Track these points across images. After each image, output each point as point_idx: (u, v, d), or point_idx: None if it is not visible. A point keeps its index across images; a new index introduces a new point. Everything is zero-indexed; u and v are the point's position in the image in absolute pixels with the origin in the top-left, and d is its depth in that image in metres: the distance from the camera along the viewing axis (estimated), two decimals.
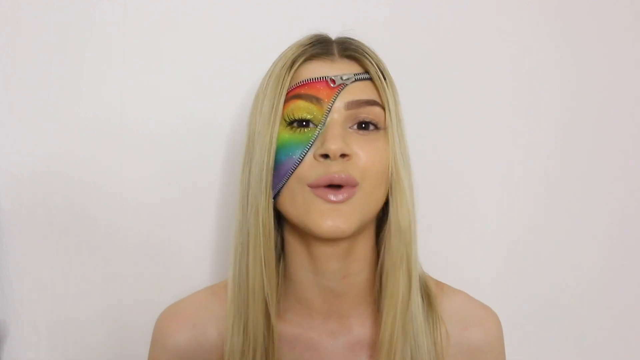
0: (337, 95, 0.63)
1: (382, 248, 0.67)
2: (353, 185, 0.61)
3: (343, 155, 0.61)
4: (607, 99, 0.93)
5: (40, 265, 0.87)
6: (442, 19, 0.90)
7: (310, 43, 0.66)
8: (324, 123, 0.62)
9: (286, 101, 0.63)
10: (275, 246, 0.68)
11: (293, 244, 0.67)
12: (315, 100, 0.63)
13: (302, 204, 0.62)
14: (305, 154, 0.62)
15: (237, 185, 0.67)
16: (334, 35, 0.69)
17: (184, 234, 0.88)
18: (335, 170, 0.60)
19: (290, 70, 0.64)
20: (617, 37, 0.92)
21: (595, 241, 0.94)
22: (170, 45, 0.86)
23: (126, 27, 0.86)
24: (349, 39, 0.68)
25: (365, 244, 0.67)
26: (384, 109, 0.65)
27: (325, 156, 0.61)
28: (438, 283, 0.73)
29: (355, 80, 0.64)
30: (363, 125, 0.64)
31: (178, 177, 0.88)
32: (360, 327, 0.68)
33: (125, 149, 0.87)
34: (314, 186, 0.61)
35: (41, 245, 0.86)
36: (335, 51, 0.66)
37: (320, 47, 0.66)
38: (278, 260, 0.69)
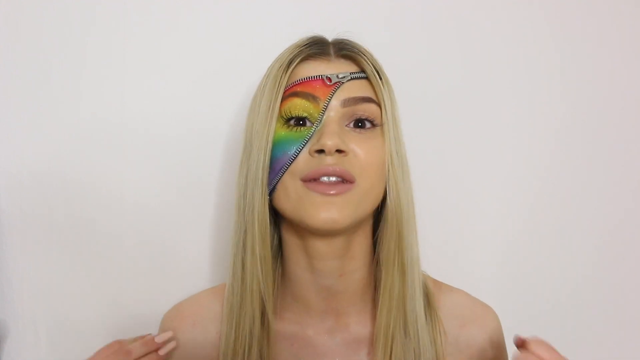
0: (334, 93, 0.63)
1: (378, 245, 0.67)
2: (350, 180, 0.61)
3: (339, 151, 0.61)
4: (607, 102, 0.93)
5: (40, 265, 0.87)
6: (442, 19, 0.90)
7: (307, 44, 0.67)
8: (321, 121, 0.63)
9: (283, 99, 0.64)
10: (272, 245, 0.68)
11: (290, 242, 0.67)
12: (312, 98, 0.63)
13: (295, 199, 0.62)
14: (301, 150, 0.62)
15: (235, 185, 0.68)
16: (332, 36, 0.70)
17: (183, 233, 0.88)
18: (329, 163, 0.61)
19: (287, 70, 0.65)
20: (618, 38, 0.92)
21: (594, 240, 0.94)
22: (170, 46, 0.87)
23: (126, 29, 0.86)
24: (345, 40, 0.69)
25: (362, 242, 0.67)
26: (380, 106, 0.65)
27: (321, 151, 0.61)
28: (436, 282, 0.73)
29: (352, 78, 0.65)
30: (360, 124, 0.64)
31: (178, 177, 0.88)
32: (357, 325, 0.68)
33: (125, 149, 0.87)
34: (307, 179, 0.62)
35: (41, 245, 0.87)
36: (332, 51, 0.67)
37: (316, 47, 0.67)
38: (275, 258, 0.70)
